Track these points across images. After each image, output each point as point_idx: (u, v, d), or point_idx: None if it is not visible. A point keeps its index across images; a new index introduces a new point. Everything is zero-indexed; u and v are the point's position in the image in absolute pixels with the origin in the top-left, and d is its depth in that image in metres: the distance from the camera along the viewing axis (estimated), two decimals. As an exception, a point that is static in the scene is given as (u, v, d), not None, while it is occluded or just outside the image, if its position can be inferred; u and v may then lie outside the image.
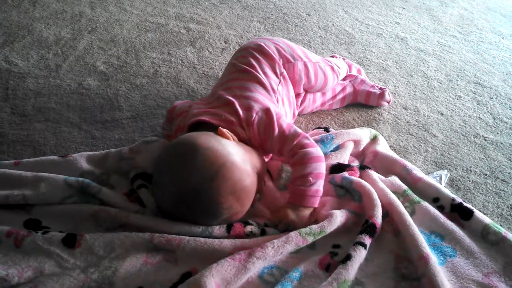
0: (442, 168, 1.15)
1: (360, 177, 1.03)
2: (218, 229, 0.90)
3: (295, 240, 0.87)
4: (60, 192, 0.96)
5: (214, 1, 1.94)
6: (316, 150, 0.99)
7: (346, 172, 1.02)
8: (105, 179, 1.04)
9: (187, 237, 0.88)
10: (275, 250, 0.85)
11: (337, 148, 1.11)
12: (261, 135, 1.00)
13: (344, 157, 1.09)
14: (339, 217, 0.92)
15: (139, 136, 1.22)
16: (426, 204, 0.97)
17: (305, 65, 1.19)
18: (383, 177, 1.04)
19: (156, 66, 1.51)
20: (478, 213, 0.95)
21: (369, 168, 1.05)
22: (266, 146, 1.02)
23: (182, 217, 0.91)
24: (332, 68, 1.26)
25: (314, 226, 0.90)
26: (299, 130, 1.01)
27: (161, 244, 0.87)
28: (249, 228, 0.91)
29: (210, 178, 0.87)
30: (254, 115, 1.01)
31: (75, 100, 1.34)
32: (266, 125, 1.00)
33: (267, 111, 1.02)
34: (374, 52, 1.64)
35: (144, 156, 1.04)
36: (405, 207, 0.95)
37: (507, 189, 1.10)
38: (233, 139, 0.97)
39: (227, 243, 0.87)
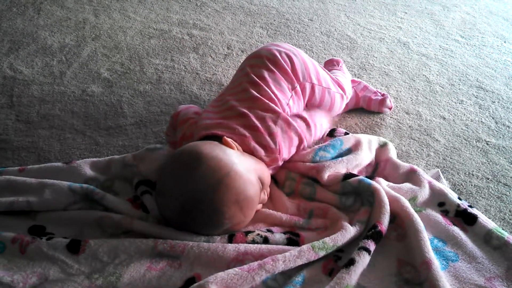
0: (444, 173, 1.15)
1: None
2: (219, 240, 0.90)
3: (307, 255, 0.87)
4: (65, 198, 0.97)
5: (217, 7, 1.95)
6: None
7: None
8: (109, 185, 1.05)
9: (191, 243, 0.88)
10: (286, 264, 0.85)
11: (350, 151, 1.10)
12: (286, 148, 1.03)
13: (358, 161, 1.08)
14: (352, 232, 0.92)
15: (143, 142, 1.23)
16: (428, 211, 0.97)
17: (312, 88, 1.16)
18: (393, 184, 1.04)
19: (160, 72, 1.52)
20: (482, 218, 0.95)
21: (375, 177, 1.05)
22: (290, 155, 1.07)
23: (185, 226, 0.91)
24: (342, 97, 1.23)
25: (328, 239, 0.89)
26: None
27: (165, 250, 0.88)
28: (250, 237, 0.91)
29: (213, 187, 0.87)
30: (274, 126, 1.01)
31: (79, 107, 1.35)
32: (293, 137, 1.04)
33: (287, 122, 1.03)
34: (376, 57, 1.65)
35: (148, 164, 1.05)
36: None
37: (510, 193, 1.10)
38: (238, 149, 0.97)
39: (230, 248, 0.88)
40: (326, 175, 1.03)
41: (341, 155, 1.09)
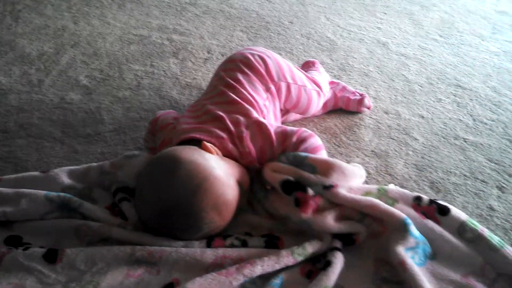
0: (422, 171, 1.16)
1: (327, 198, 0.94)
2: (198, 244, 0.90)
3: (285, 260, 0.86)
4: (41, 207, 0.96)
5: (197, 11, 1.95)
6: (315, 140, 1.02)
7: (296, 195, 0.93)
8: (87, 193, 1.04)
9: (169, 249, 0.88)
10: (264, 269, 0.84)
11: (314, 170, 0.97)
12: (257, 150, 1.00)
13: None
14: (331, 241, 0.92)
15: (122, 149, 1.22)
16: (400, 205, 0.95)
17: (288, 87, 1.17)
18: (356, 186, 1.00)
19: (139, 78, 1.52)
20: (454, 210, 0.93)
21: (333, 187, 0.94)
22: (264, 158, 1.01)
23: (164, 231, 0.91)
24: (318, 94, 1.24)
25: (308, 246, 0.88)
26: (289, 128, 1.02)
27: (142, 257, 0.87)
28: (229, 241, 0.91)
29: (192, 191, 0.87)
30: (245, 130, 1.01)
31: (58, 115, 1.34)
32: (263, 139, 1.00)
33: (258, 124, 1.01)
34: (355, 58, 1.66)
35: (126, 171, 1.04)
36: None
37: (487, 189, 1.11)
38: (217, 154, 0.97)
39: (209, 253, 0.88)
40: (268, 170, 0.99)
41: (301, 164, 0.97)
